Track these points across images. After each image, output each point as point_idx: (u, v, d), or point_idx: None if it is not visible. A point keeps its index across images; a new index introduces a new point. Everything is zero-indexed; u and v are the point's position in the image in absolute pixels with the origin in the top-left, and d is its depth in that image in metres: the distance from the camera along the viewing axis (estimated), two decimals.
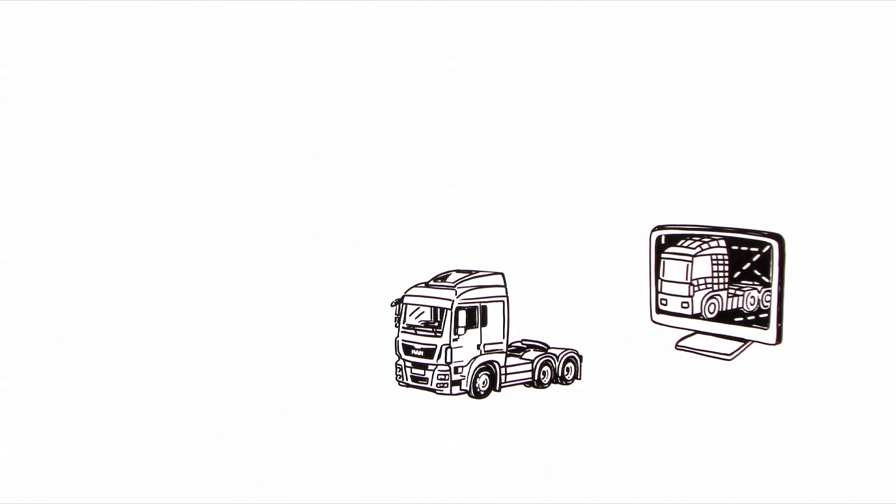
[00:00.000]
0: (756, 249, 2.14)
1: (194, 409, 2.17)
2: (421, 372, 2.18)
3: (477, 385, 2.15)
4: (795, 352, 2.16)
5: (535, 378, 2.21)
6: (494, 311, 2.18)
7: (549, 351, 2.23)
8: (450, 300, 2.15)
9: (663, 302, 2.19)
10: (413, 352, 2.18)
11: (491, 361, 2.18)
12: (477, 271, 2.18)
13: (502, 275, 2.18)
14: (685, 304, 2.18)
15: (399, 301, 2.19)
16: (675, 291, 2.18)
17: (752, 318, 2.16)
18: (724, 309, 2.19)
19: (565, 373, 2.22)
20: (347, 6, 2.13)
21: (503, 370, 2.19)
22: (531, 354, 2.23)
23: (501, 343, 2.19)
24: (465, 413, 2.19)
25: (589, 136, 2.15)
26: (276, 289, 2.18)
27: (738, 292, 2.17)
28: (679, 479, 2.17)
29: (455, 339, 2.17)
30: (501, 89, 2.14)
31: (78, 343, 2.16)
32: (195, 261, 2.16)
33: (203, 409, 2.17)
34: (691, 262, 2.17)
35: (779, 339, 2.15)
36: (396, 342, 2.20)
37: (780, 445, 2.17)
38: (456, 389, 2.17)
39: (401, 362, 2.20)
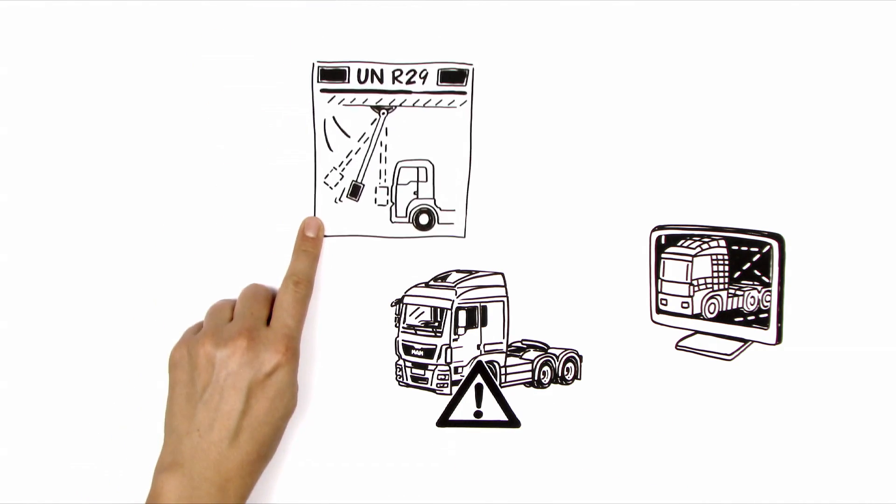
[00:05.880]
0: (756, 249, 2.14)
1: None
2: (421, 372, 2.18)
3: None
4: (795, 352, 2.16)
5: (535, 378, 2.21)
6: (494, 311, 2.18)
7: (549, 351, 2.23)
8: (450, 300, 2.15)
9: (663, 302, 2.19)
10: (413, 352, 2.18)
11: (491, 361, 2.18)
12: (477, 271, 2.18)
13: (502, 275, 2.18)
14: (685, 304, 2.18)
15: (399, 301, 2.19)
16: (675, 291, 2.18)
17: (752, 318, 2.16)
18: (724, 309, 2.19)
19: (565, 373, 2.22)
20: (347, 6, 2.13)
21: (503, 370, 2.19)
22: (531, 354, 2.23)
23: (501, 343, 2.19)
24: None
25: (589, 137, 2.15)
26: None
27: (738, 292, 2.17)
28: (679, 478, 2.18)
29: (455, 339, 2.17)
30: (501, 89, 2.14)
31: (78, 343, 2.16)
32: (194, 261, 2.16)
33: None
34: (691, 262, 2.17)
35: (779, 339, 2.15)
36: (396, 342, 2.20)
37: (779, 445, 2.17)
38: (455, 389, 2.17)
39: (401, 362, 2.20)
